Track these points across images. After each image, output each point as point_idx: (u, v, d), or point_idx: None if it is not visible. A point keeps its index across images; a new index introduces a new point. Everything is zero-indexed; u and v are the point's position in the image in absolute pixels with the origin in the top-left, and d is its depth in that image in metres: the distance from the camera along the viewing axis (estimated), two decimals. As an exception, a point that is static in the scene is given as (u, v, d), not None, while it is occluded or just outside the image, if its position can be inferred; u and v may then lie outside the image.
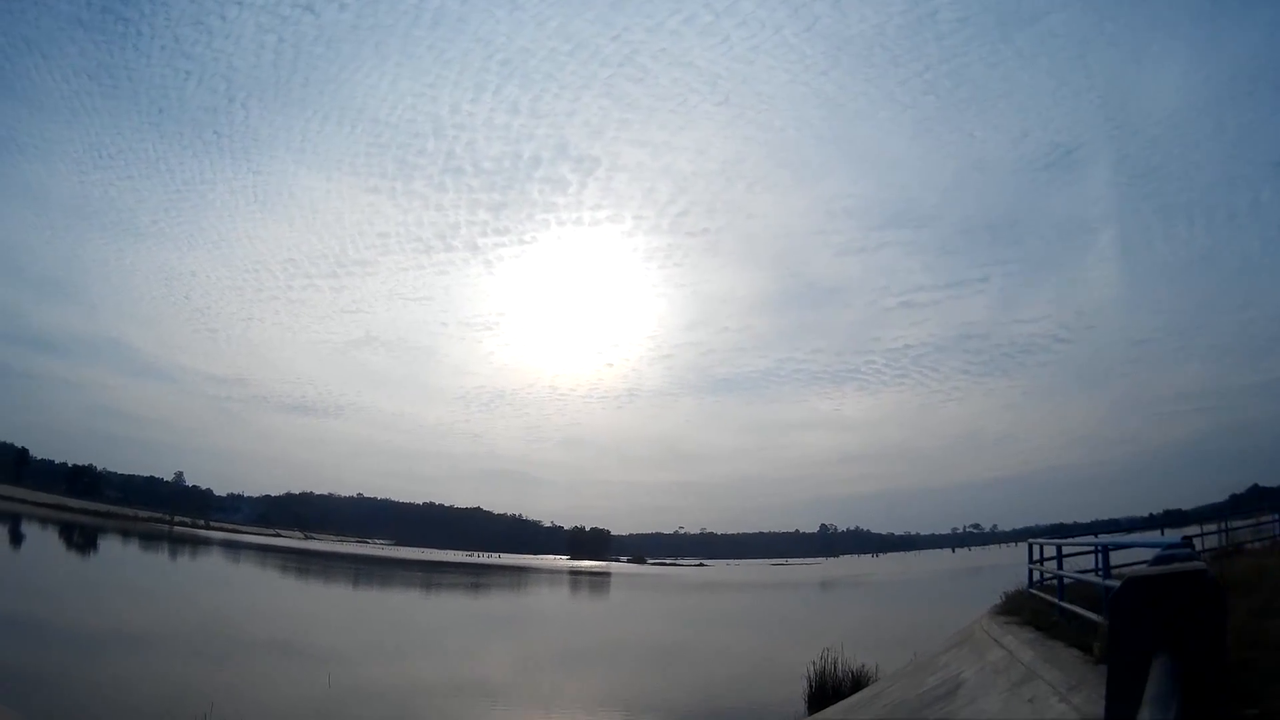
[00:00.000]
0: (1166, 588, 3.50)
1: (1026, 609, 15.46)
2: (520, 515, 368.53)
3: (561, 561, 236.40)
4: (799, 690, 21.14)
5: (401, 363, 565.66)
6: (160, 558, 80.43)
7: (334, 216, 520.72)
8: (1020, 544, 22.13)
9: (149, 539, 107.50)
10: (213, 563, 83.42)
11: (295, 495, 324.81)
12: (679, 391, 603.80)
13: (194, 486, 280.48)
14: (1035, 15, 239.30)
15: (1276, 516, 30.60)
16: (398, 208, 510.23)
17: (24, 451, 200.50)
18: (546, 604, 72.13)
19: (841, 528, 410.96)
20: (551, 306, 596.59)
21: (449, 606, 62.21)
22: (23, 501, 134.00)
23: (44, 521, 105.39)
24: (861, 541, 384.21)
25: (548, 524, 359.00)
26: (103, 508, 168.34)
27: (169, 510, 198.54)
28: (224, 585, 56.76)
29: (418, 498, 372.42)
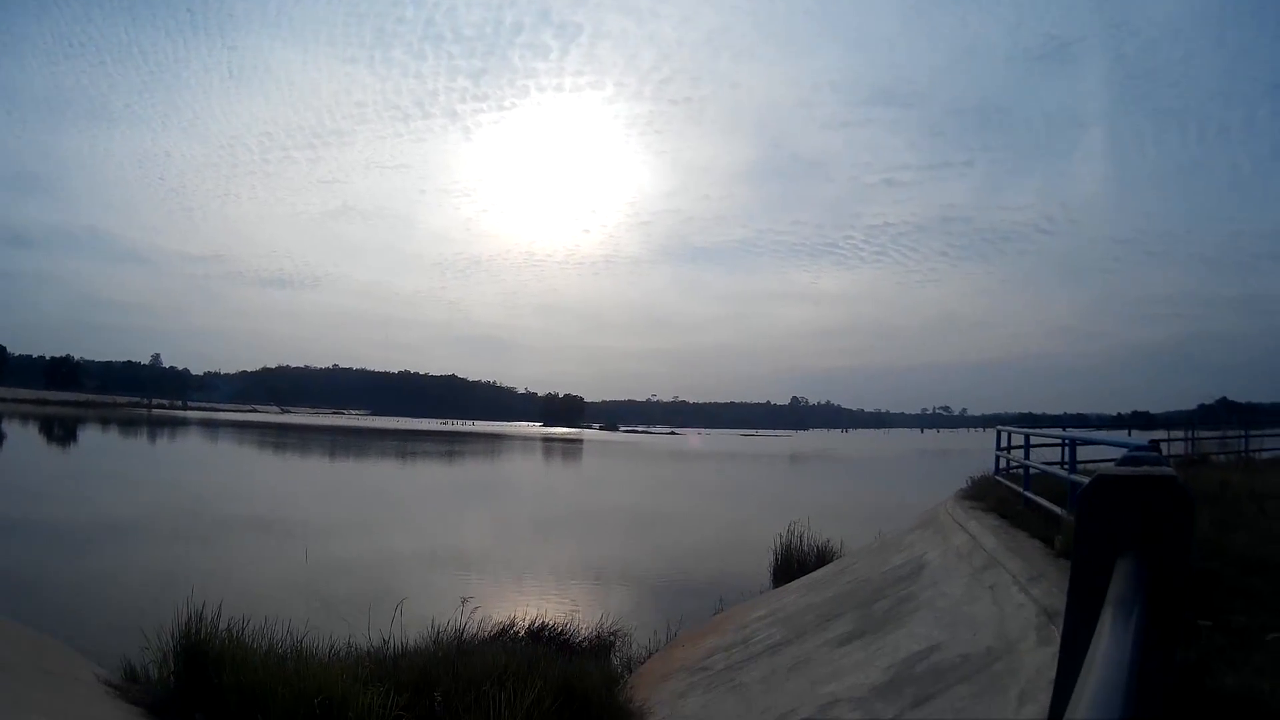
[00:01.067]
0: (1136, 489, 3.53)
1: (992, 496, 15.70)
2: (495, 382, 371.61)
3: (535, 428, 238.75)
4: (766, 562, 21.56)
5: (378, 232, 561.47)
6: (137, 443, 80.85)
7: (310, 88, 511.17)
8: (988, 430, 22.43)
9: (127, 424, 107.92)
10: (189, 444, 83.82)
11: (272, 370, 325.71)
12: (656, 259, 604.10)
13: (171, 368, 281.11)
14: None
15: (1243, 432, 31.06)
16: (375, 76, 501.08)
17: (1, 349, 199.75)
18: (519, 472, 72.92)
19: (813, 401, 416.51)
20: (530, 173, 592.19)
21: (423, 476, 62.88)
22: (1, 400, 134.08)
23: (24, 418, 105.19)
24: (832, 416, 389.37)
25: (522, 390, 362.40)
26: (81, 397, 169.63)
27: (147, 394, 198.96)
28: (199, 466, 57.00)
29: (393, 367, 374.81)
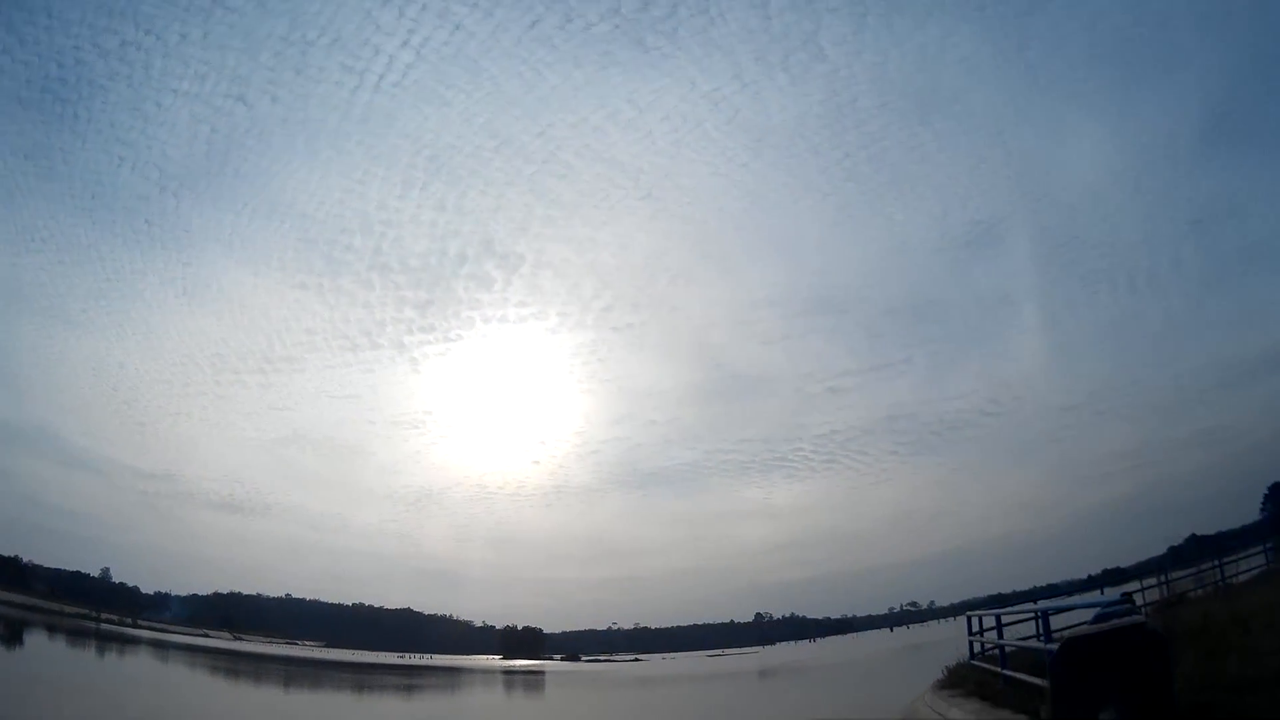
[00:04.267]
0: (1106, 643, 3.52)
1: (970, 680, 15.49)
2: (452, 615, 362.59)
3: (495, 661, 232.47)
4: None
5: (329, 461, 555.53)
6: (87, 655, 77.93)
7: (261, 312, 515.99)
8: (959, 618, 22.25)
9: (76, 635, 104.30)
10: (140, 662, 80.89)
11: (223, 595, 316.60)
12: (607, 487, 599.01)
13: (121, 583, 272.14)
14: (953, 96, 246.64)
15: (1215, 562, 31.20)
16: (325, 304, 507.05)
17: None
18: (483, 704, 70.81)
19: (777, 615, 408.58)
20: (478, 405, 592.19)
21: (382, 710, 60.90)
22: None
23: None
24: (798, 628, 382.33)
25: (479, 624, 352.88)
26: (30, 600, 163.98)
27: (96, 607, 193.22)
28: (153, 686, 54.91)
29: (347, 598, 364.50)
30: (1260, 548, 35.25)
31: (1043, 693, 10.29)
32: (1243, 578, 28.80)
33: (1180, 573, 33.62)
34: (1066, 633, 10.47)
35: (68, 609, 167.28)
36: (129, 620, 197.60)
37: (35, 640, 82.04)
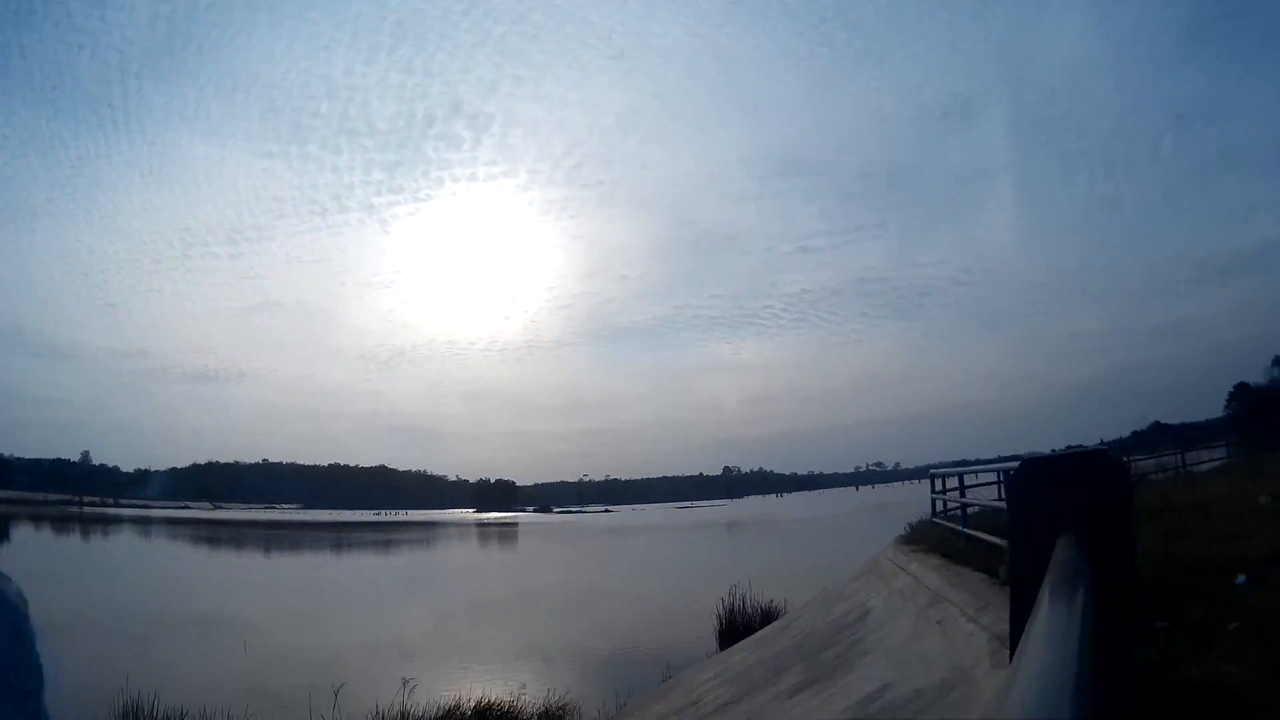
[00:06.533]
0: (1068, 468, 3.45)
1: (931, 537, 15.76)
2: (425, 471, 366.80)
3: (469, 515, 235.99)
4: (711, 628, 21.38)
5: (301, 326, 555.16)
6: (69, 541, 78.12)
7: (228, 184, 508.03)
8: (924, 480, 22.48)
9: (59, 522, 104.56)
10: (122, 541, 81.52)
11: (202, 466, 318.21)
12: (578, 341, 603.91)
13: (101, 465, 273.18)
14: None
15: (1177, 450, 31.79)
16: (292, 171, 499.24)
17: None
18: (457, 557, 71.91)
19: (745, 469, 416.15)
20: (448, 262, 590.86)
21: (359, 566, 61.78)
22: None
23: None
24: (765, 482, 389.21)
25: (453, 478, 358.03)
26: (11, 494, 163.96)
27: (77, 492, 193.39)
28: (133, 564, 55.41)
29: (323, 459, 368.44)
30: (1222, 442, 35.92)
31: (1002, 552, 10.48)
32: (1203, 468, 29.29)
33: (1142, 456, 34.12)
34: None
35: (50, 498, 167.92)
36: (110, 501, 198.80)
37: (18, 534, 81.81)
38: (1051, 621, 2.03)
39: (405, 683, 12.75)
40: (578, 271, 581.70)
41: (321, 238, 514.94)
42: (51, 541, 76.17)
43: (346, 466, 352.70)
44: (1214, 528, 10.56)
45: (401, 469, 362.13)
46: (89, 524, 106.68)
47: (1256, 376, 54.37)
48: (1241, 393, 52.81)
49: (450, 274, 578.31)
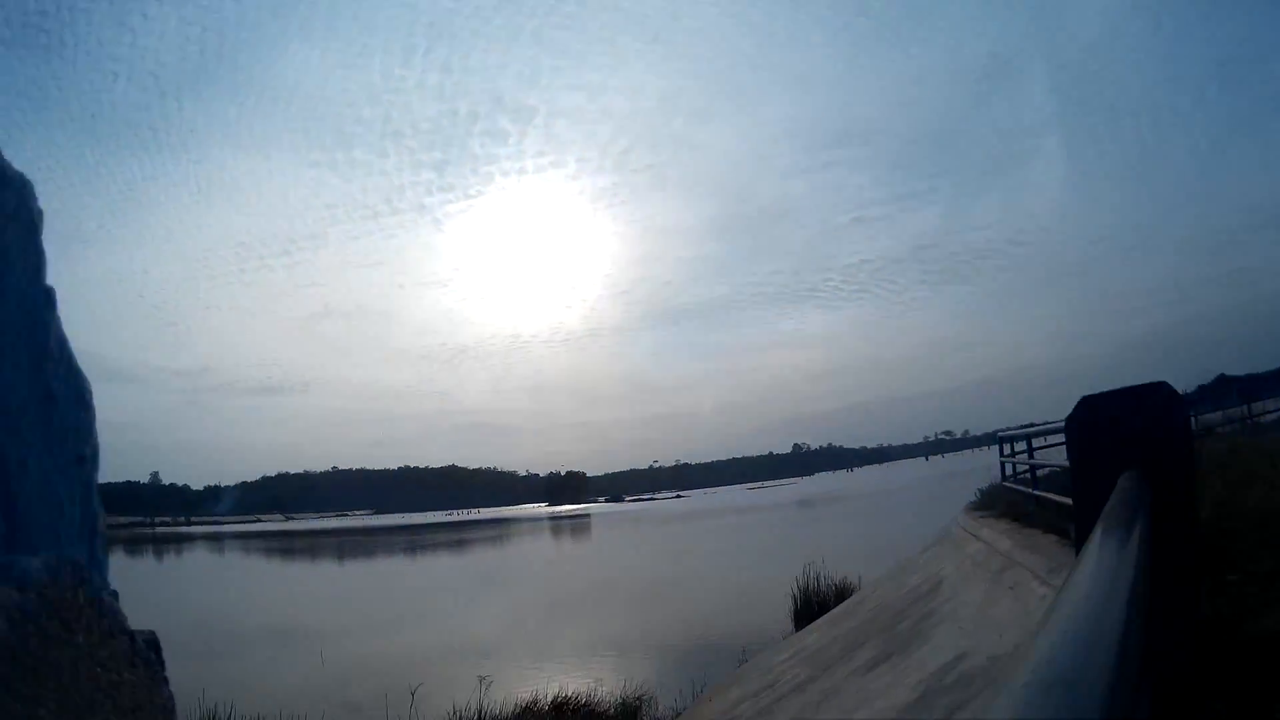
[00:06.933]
0: (1125, 402, 3.37)
1: (1002, 502, 15.51)
2: (495, 468, 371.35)
3: (541, 509, 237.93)
4: (786, 609, 21.21)
5: (362, 330, 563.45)
6: (144, 562, 79.48)
7: (279, 195, 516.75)
8: (993, 447, 22.14)
9: (132, 544, 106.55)
10: (195, 559, 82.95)
11: (271, 478, 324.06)
12: (639, 326, 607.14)
13: (171, 484, 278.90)
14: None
15: (1242, 402, 31.16)
16: (341, 178, 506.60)
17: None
18: (531, 553, 72.33)
19: (814, 445, 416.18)
20: (505, 256, 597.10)
21: (433, 568, 62.29)
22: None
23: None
24: (835, 458, 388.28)
25: (523, 473, 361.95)
26: None
27: (149, 513, 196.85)
28: (208, 581, 56.34)
29: (392, 463, 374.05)
30: None
31: (1071, 511, 10.20)
32: (1270, 418, 28.74)
33: (1208, 410, 33.46)
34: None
35: (123, 521, 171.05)
36: (182, 519, 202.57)
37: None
38: (1102, 552, 1.88)
39: (481, 681, 12.74)
40: (634, 256, 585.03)
41: (376, 241, 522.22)
42: (125, 564, 77.45)
43: (416, 469, 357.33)
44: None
45: (471, 467, 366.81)
46: (162, 543, 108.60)
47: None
48: (1307, 338, 51.21)
49: (507, 268, 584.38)
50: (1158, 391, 3.25)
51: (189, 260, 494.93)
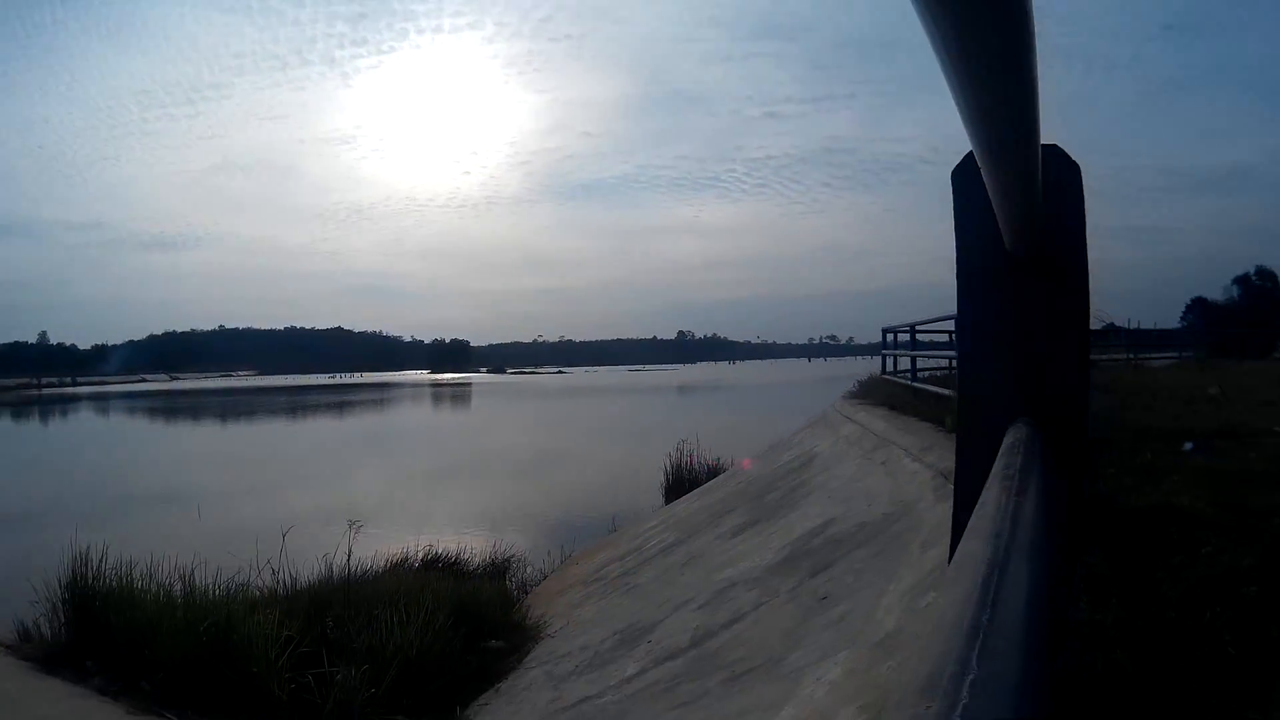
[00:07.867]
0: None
1: (880, 392, 15.87)
2: (381, 332, 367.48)
3: (423, 375, 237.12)
4: (658, 483, 21.48)
5: (259, 185, 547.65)
6: (24, 424, 77.12)
7: (188, 41, 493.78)
8: (875, 356, 22.56)
9: (15, 405, 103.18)
10: (77, 420, 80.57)
11: (159, 337, 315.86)
12: (538, 198, 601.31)
13: (59, 344, 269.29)
14: None
15: (1123, 342, 32.76)
16: (254, 26, 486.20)
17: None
18: (407, 420, 72.17)
19: (700, 335, 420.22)
20: (409, 117, 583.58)
21: (311, 431, 61.92)
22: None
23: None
24: (719, 349, 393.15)
25: (408, 339, 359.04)
26: None
27: (36, 373, 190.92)
28: (87, 442, 54.90)
29: (279, 323, 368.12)
30: (1175, 354, 36.65)
31: (949, 402, 10.48)
32: (1154, 364, 31.42)
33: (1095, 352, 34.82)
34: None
35: (8, 383, 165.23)
36: (68, 380, 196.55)
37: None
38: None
39: (351, 525, 12.65)
40: (540, 127, 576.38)
41: (282, 93, 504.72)
42: (9, 428, 75.09)
43: (302, 329, 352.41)
44: (1163, 407, 11.01)
45: (357, 330, 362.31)
46: (46, 404, 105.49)
47: (1215, 294, 54.82)
48: (1199, 306, 53.29)
49: (410, 129, 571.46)
50: (1052, 151, 3.30)
51: (91, 108, 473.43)
